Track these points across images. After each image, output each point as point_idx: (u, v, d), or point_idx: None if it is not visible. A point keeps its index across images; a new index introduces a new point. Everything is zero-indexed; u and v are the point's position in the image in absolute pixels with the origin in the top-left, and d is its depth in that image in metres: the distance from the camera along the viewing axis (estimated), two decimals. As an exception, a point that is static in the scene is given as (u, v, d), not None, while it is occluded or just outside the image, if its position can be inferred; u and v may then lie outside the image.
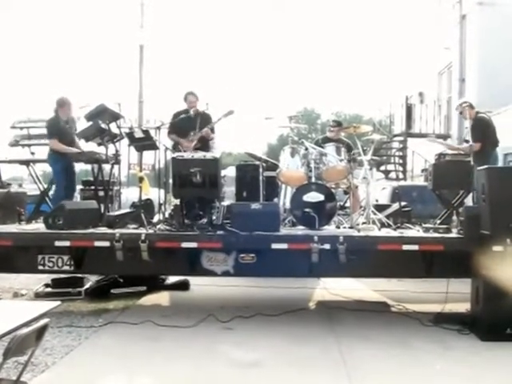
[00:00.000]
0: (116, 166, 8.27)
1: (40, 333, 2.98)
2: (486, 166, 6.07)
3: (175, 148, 7.92)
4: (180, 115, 8.00)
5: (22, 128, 9.17)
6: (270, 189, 7.88)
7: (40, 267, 6.68)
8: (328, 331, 6.02)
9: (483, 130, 7.02)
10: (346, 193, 8.30)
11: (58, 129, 7.84)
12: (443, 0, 18.45)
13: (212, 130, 8.05)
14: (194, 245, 6.28)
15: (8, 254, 6.58)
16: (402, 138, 17.39)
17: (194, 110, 7.98)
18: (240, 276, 7.24)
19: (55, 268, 6.69)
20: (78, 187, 8.98)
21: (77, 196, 9.12)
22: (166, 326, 6.05)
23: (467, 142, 7.35)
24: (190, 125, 7.86)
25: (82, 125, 8.30)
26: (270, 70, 79.83)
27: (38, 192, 9.06)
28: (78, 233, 6.51)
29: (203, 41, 64.61)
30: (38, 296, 7.35)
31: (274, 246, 6.16)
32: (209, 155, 6.86)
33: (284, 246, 6.17)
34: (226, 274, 6.62)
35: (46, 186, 9.04)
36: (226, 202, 7.74)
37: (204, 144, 7.88)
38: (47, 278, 7.78)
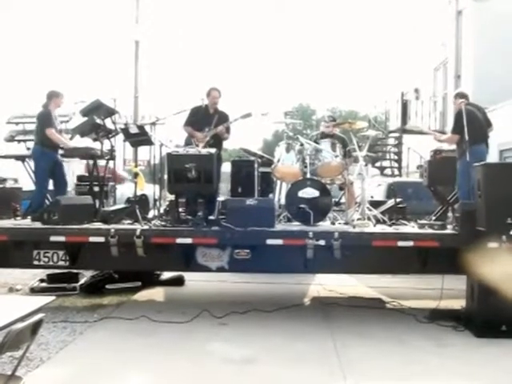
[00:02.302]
0: (111, 162, 8.26)
1: (35, 328, 2.97)
2: (482, 163, 6.08)
3: (188, 141, 7.90)
4: (198, 111, 7.97)
5: (17, 123, 9.10)
6: (265, 184, 7.88)
7: (35, 262, 6.66)
8: (323, 327, 6.03)
9: (463, 124, 6.65)
10: (341, 189, 8.31)
11: (53, 121, 7.75)
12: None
13: (227, 130, 7.99)
14: (188, 240, 6.25)
15: (3, 249, 6.56)
16: (397, 135, 17.40)
17: (214, 107, 7.98)
18: (235, 272, 7.24)
19: (50, 263, 6.68)
20: (73, 182, 8.94)
21: (72, 192, 9.08)
22: (161, 321, 6.06)
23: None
24: (207, 121, 7.86)
25: (77, 120, 8.27)
26: (265, 65, 79.81)
27: (33, 188, 8.99)
28: (73, 228, 6.49)
29: (199, 36, 64.59)
30: (33, 291, 7.36)
31: (269, 241, 6.14)
32: (204, 151, 6.84)
33: (279, 241, 6.15)
34: (220, 269, 6.61)
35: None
36: (221, 198, 7.73)
37: (217, 141, 7.84)
38: (42, 273, 7.78)
